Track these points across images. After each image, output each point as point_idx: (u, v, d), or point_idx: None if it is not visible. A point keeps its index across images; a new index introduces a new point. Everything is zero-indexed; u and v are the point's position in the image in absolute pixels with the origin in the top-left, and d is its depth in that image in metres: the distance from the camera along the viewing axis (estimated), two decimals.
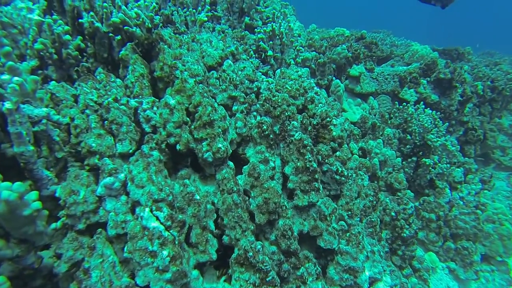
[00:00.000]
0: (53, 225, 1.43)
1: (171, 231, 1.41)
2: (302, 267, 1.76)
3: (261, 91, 2.16)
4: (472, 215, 2.69)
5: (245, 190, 1.78)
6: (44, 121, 1.52)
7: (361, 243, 2.09)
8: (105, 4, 2.01)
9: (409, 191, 2.98)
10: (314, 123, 2.20)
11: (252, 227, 1.66)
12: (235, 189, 1.63)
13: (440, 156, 3.13)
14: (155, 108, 1.74)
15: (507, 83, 4.09)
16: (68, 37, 1.89)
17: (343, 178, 2.16)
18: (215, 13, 3.34)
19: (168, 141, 1.68)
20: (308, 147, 1.96)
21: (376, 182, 3.12)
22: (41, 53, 1.85)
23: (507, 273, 2.79)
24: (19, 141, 1.32)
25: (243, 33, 2.65)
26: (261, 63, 2.90)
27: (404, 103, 3.38)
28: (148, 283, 1.33)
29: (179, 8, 2.89)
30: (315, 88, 2.28)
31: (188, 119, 1.76)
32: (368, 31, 10.73)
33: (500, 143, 4.01)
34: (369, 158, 3.17)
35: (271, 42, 2.68)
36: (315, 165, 1.96)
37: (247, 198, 1.76)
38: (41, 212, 1.32)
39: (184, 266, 1.37)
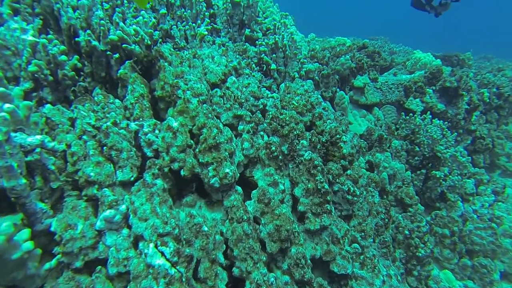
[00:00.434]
0: (47, 265, 1.31)
1: (178, 267, 1.30)
2: None
3: (267, 108, 2.07)
4: (488, 230, 2.60)
5: (254, 216, 1.67)
6: (38, 149, 1.42)
7: (376, 267, 1.98)
8: (102, 21, 1.93)
9: (419, 205, 2.88)
10: (323, 140, 2.11)
11: (264, 257, 1.55)
12: (245, 218, 1.53)
13: (451, 167, 3.05)
14: (156, 131, 1.65)
15: None
16: (64, 57, 1.80)
17: (355, 198, 2.06)
18: (215, 25, 3.27)
19: (172, 166, 1.58)
20: (318, 168, 1.87)
21: (385, 196, 3.02)
22: (36, 75, 1.75)
23: None
24: (9, 174, 1.22)
25: (245, 46, 2.58)
26: (263, 77, 2.82)
27: (411, 114, 3.30)
28: None
29: (178, 23, 2.82)
30: (323, 103, 2.20)
31: (192, 141, 1.67)
32: (364, 38, 10.78)
33: (509, 150, 3.93)
34: (377, 172, 3.07)
35: (274, 55, 2.60)
36: (326, 186, 1.86)
37: (257, 225, 1.65)
38: (33, 252, 1.21)
39: None
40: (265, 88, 2.35)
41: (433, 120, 3.24)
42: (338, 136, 2.08)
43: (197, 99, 1.72)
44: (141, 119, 1.67)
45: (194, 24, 2.53)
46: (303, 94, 2.24)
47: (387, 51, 8.31)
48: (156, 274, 1.24)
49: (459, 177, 2.85)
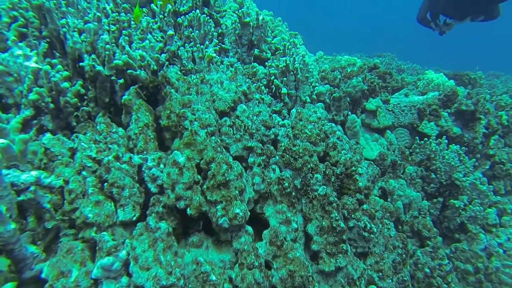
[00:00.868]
0: None
1: None
2: None
3: (279, 138, 1.96)
4: None
5: (266, 260, 1.54)
6: (32, 187, 1.32)
7: None
8: (107, 46, 1.86)
9: (438, 237, 2.72)
10: (338, 172, 1.99)
11: None
12: (256, 264, 1.40)
13: (470, 196, 2.90)
14: (161, 166, 1.55)
15: None
16: (66, 84, 1.73)
17: (372, 236, 1.92)
18: (223, 45, 3.22)
19: (178, 205, 1.47)
20: (334, 204, 1.75)
21: (400, 227, 2.87)
22: (37, 103, 1.67)
23: None
24: None
25: (254, 69, 2.50)
26: (273, 100, 2.73)
27: (425, 139, 3.18)
28: None
29: (186, 44, 2.76)
30: (337, 132, 2.09)
31: (199, 177, 1.56)
32: (371, 55, 10.83)
33: None
34: (391, 200, 2.93)
35: (284, 78, 2.52)
36: (342, 224, 1.73)
37: (269, 270, 1.52)
38: None
39: None
40: (276, 115, 2.25)
41: (449, 145, 3.11)
42: (353, 168, 1.96)
43: (205, 130, 1.63)
44: (145, 152, 1.57)
45: (202, 46, 2.46)
46: (316, 122, 2.14)
47: (395, 68, 8.29)
48: None
49: (480, 207, 2.70)
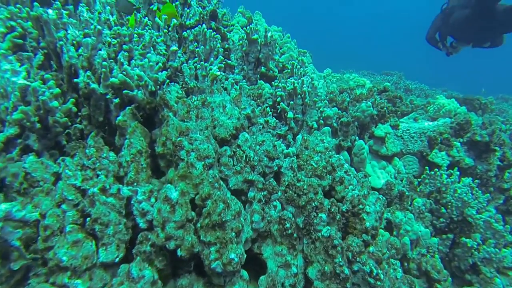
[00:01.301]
0: None
1: None
2: None
3: (282, 170, 1.83)
4: None
5: None
6: (0, 223, 1.19)
7: None
8: (104, 63, 1.75)
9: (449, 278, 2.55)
10: (343, 209, 1.85)
11: None
12: None
13: (484, 235, 2.73)
14: (152, 200, 1.41)
15: None
16: (56, 103, 1.61)
17: (378, 283, 1.76)
18: (229, 62, 3.12)
19: (167, 245, 1.33)
20: (338, 248, 1.60)
21: (406, 264, 2.70)
22: (21, 122, 1.56)
23: None
24: None
25: (260, 91, 2.39)
26: (278, 122, 2.61)
27: (436, 169, 3.03)
28: None
29: (190, 60, 2.66)
30: (345, 165, 1.96)
31: (193, 213, 1.43)
32: (379, 73, 10.76)
33: None
34: (397, 234, 2.78)
35: (291, 102, 2.40)
36: (346, 271, 1.59)
37: None
38: None
39: None
40: (279, 142, 2.12)
41: (462, 178, 2.96)
42: (360, 206, 1.82)
43: (203, 163, 1.50)
44: (135, 183, 1.44)
45: (206, 64, 2.35)
46: (322, 152, 2.01)
47: (403, 88, 8.19)
48: None
49: (496, 249, 2.53)
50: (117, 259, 1.29)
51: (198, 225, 1.40)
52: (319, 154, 2.00)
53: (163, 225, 1.34)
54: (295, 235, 1.58)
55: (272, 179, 1.71)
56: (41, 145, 1.67)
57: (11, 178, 1.45)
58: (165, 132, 1.59)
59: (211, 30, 2.77)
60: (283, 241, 1.57)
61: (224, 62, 3.09)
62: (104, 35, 2.43)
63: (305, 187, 1.66)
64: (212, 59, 2.71)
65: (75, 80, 1.80)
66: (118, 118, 1.74)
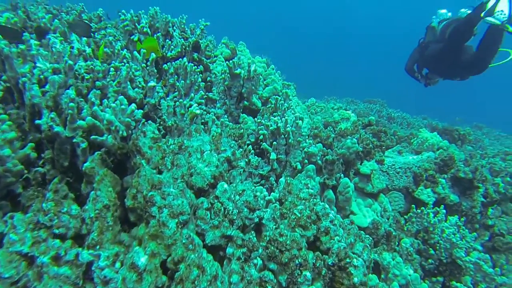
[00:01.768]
0: None
1: None
2: None
3: (263, 221, 1.72)
4: None
5: None
6: None
7: None
8: (71, 104, 1.63)
9: None
10: (329, 263, 1.74)
11: None
12: None
13: (474, 278, 2.67)
14: (118, 265, 1.26)
15: None
16: (7, 151, 1.47)
17: None
18: (210, 95, 3.05)
19: None
20: None
21: None
22: None
23: None
24: None
25: (241, 130, 2.30)
26: (261, 160, 2.52)
27: (423, 208, 2.99)
28: None
29: (170, 94, 2.57)
30: (330, 214, 1.87)
31: (164, 278, 1.28)
32: (362, 100, 11.03)
33: None
34: (385, 277, 2.67)
35: (274, 142, 2.33)
36: None
37: None
38: None
39: None
40: (261, 188, 2.02)
41: (448, 216, 2.93)
42: (347, 260, 1.71)
43: (176, 220, 1.37)
44: (98, 246, 1.29)
45: (185, 102, 2.27)
46: (307, 200, 1.91)
47: (385, 116, 8.36)
48: None
49: None
50: None
51: None
52: (303, 201, 1.91)
53: None
54: None
55: (253, 233, 1.59)
56: None
57: None
58: (135, 184, 1.46)
59: (192, 64, 2.71)
60: None
61: (205, 96, 3.02)
62: (79, 67, 2.33)
63: (288, 242, 1.55)
64: (192, 94, 2.63)
65: (37, 121, 1.66)
66: (86, 164, 1.61)
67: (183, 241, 1.32)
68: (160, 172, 1.69)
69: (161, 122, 2.41)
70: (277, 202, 2.08)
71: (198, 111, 2.31)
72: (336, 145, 3.21)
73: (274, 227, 1.72)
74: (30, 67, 1.93)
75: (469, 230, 2.99)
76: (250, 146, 2.51)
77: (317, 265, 1.67)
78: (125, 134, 1.64)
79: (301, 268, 1.55)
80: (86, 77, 2.15)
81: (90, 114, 1.66)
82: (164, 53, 3.18)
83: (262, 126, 2.52)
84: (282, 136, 2.35)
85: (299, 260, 1.55)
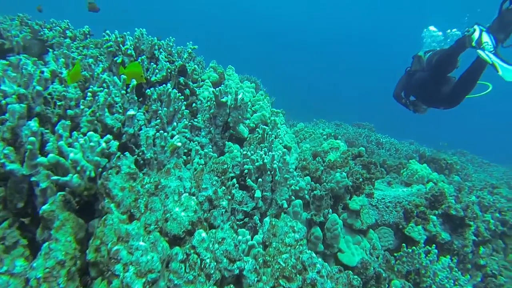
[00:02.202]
0: None
1: None
2: None
3: (244, 273, 1.56)
4: None
5: None
6: None
7: None
8: (31, 138, 1.46)
9: None
10: None
11: None
12: None
13: None
14: None
15: None
16: None
17: None
18: (195, 122, 2.92)
19: None
20: None
21: None
22: None
23: None
24: None
25: (225, 166, 2.16)
26: (245, 196, 2.38)
27: (414, 247, 2.88)
28: None
29: (150, 125, 2.42)
30: (317, 264, 1.72)
31: None
32: (350, 123, 11.13)
33: None
34: None
35: (260, 179, 2.19)
36: None
37: None
38: None
39: None
40: (243, 230, 1.87)
41: (440, 257, 2.82)
42: None
43: (144, 280, 1.20)
44: None
45: (165, 134, 2.12)
46: (292, 246, 1.77)
47: (374, 142, 8.39)
48: None
49: None
50: None
51: None
52: (289, 247, 1.76)
53: None
54: None
55: (232, 287, 1.42)
56: None
57: None
58: (100, 234, 1.29)
59: (176, 91, 2.58)
60: None
61: (190, 123, 2.89)
62: (53, 90, 2.17)
63: None
64: (175, 123, 2.49)
65: None
66: (44, 207, 1.43)
67: None
68: (132, 216, 1.52)
69: (140, 153, 2.25)
70: (261, 246, 1.92)
71: (179, 144, 2.17)
72: (325, 178, 3.10)
73: (255, 279, 1.56)
74: None
75: (461, 272, 2.88)
76: (234, 180, 2.37)
77: None
78: (93, 174, 1.47)
79: None
80: (58, 104, 2.00)
81: (55, 149, 1.49)
82: (148, 77, 3.05)
83: (247, 160, 2.39)
84: (268, 172, 2.22)
85: None
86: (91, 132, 1.53)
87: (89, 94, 2.19)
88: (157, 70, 3.07)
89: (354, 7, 36.36)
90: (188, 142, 2.68)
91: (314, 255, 1.75)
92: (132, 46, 3.15)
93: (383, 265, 2.94)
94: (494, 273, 3.24)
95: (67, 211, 1.44)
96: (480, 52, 3.27)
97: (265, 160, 2.18)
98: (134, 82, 2.32)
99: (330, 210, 2.88)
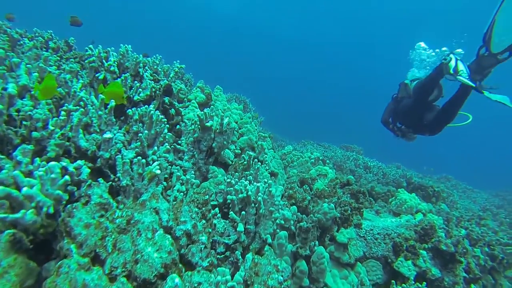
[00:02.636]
0: None
1: None
2: None
3: None
4: None
5: None
6: None
7: None
8: None
9: None
10: None
11: None
12: None
13: None
14: None
15: (504, 251, 3.74)
16: None
17: None
18: (178, 146, 2.78)
19: None
20: None
21: None
22: None
23: None
24: None
25: (206, 197, 2.02)
26: (227, 226, 2.23)
27: (404, 285, 2.76)
28: None
29: (128, 151, 2.28)
30: None
31: None
32: (338, 145, 11.17)
33: None
34: None
35: (243, 212, 2.06)
36: None
37: None
38: None
39: None
40: (223, 269, 1.72)
41: None
42: None
43: None
44: None
45: (143, 161, 1.98)
46: None
47: (362, 165, 8.38)
48: None
49: None
50: None
51: None
52: None
53: None
54: None
55: None
56: None
57: None
58: (51, 285, 1.12)
59: (159, 113, 2.46)
60: None
61: (173, 146, 2.75)
62: (23, 105, 2.02)
63: None
64: (156, 147, 2.36)
65: None
66: None
67: None
68: (97, 257, 1.36)
69: (115, 179, 2.09)
70: (242, 286, 1.77)
71: (158, 171, 2.03)
72: (312, 208, 2.99)
73: None
74: None
75: None
76: (217, 209, 2.22)
77: None
78: (51, 211, 1.31)
79: None
80: (24, 123, 1.84)
81: (10, 179, 1.33)
82: (131, 96, 2.93)
83: (231, 189, 2.26)
84: (253, 204, 2.09)
85: None
86: (52, 163, 1.37)
87: (63, 113, 2.05)
88: (140, 89, 2.95)
89: (346, 26, 37.48)
90: (170, 166, 2.54)
91: None
92: (116, 62, 3.04)
93: None
94: None
95: (15, 254, 1.26)
96: (460, 78, 3.41)
97: (249, 193, 2.06)
98: (113, 103, 2.18)
99: (317, 242, 2.75)
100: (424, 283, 2.84)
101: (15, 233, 1.27)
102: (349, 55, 44.44)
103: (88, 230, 1.37)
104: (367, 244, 3.30)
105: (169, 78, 3.44)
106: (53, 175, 1.33)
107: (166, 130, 2.50)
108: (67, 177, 1.37)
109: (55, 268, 1.18)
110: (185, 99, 3.56)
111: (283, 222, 2.36)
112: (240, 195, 2.08)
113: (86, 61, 2.97)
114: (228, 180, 2.41)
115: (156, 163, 2.07)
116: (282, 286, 1.68)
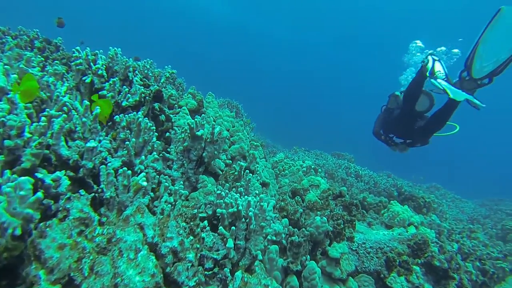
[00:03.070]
0: None
1: None
2: None
3: None
4: None
5: None
6: None
7: None
8: None
9: None
10: None
11: None
12: None
13: None
14: None
15: (495, 266, 3.72)
16: None
17: None
18: (167, 154, 2.68)
19: None
20: None
21: None
22: None
23: None
24: None
25: (195, 211, 1.92)
26: (216, 240, 2.13)
27: None
28: None
29: (115, 159, 2.16)
30: None
31: None
32: (329, 152, 11.16)
33: None
34: None
35: (233, 228, 1.96)
36: None
37: None
38: None
39: None
40: (212, 286, 1.62)
41: None
42: None
43: None
44: None
45: (129, 172, 1.87)
46: None
47: (353, 174, 8.37)
48: None
49: None
50: None
51: None
52: None
53: None
54: None
55: None
56: None
57: None
58: None
59: (147, 121, 2.35)
60: None
61: (162, 155, 2.64)
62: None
63: None
64: (143, 156, 2.25)
65: None
66: None
67: None
68: (70, 282, 1.24)
69: (100, 191, 1.98)
70: None
71: (144, 183, 1.92)
72: (304, 220, 2.90)
73: None
74: None
75: None
76: (205, 222, 2.13)
77: None
78: (18, 232, 1.18)
79: None
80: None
81: None
82: (119, 101, 2.81)
83: (221, 201, 2.16)
84: (243, 219, 1.99)
85: None
86: (23, 178, 1.24)
87: (43, 118, 1.92)
88: (129, 95, 2.84)
89: (339, 32, 37.78)
90: (157, 176, 2.43)
91: None
92: (104, 66, 2.92)
93: None
94: None
95: None
96: (432, 81, 3.47)
97: (240, 207, 1.97)
98: (98, 110, 2.07)
99: (308, 257, 2.67)
100: None
101: None
102: (342, 62, 44.87)
103: (62, 252, 1.25)
104: (359, 258, 3.23)
105: (160, 83, 3.34)
106: (22, 192, 1.21)
107: (154, 138, 2.39)
108: (39, 193, 1.25)
109: (30, 282, 1.06)
110: (176, 105, 3.45)
111: (274, 238, 2.27)
112: (231, 209, 1.99)
113: (72, 63, 2.85)
114: (218, 191, 2.31)
115: (142, 174, 1.96)
116: None
